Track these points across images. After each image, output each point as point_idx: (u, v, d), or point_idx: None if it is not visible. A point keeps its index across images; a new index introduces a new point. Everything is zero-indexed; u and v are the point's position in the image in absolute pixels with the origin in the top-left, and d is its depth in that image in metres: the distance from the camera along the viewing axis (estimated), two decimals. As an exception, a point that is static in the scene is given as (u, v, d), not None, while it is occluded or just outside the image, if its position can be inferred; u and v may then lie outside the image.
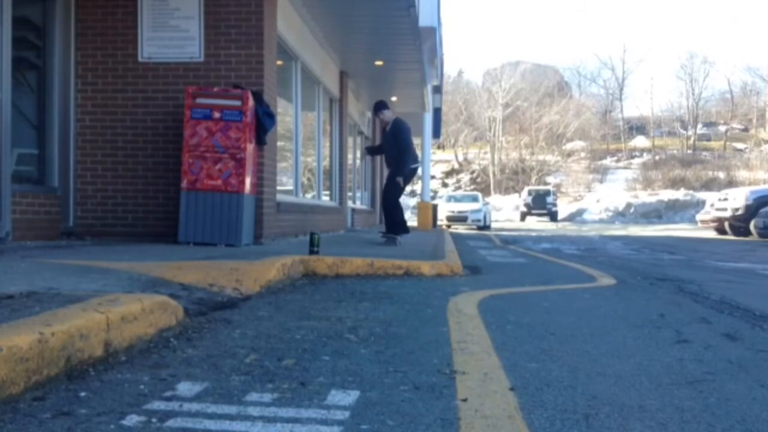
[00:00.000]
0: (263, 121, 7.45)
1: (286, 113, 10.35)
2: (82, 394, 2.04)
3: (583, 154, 57.43)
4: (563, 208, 41.50)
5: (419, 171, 14.53)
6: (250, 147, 7.27)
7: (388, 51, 12.73)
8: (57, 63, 7.63)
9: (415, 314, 3.77)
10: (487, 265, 7.69)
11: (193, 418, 1.86)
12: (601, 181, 52.39)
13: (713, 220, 19.16)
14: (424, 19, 11.69)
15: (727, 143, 59.72)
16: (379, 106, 9.13)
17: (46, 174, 7.60)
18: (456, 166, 58.65)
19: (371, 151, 11.20)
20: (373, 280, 5.47)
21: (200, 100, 7.14)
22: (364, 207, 19.29)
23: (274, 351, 2.71)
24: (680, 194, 41.38)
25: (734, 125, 64.34)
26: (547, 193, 39.59)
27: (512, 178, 53.58)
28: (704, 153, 57.88)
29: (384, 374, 2.39)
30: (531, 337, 3.15)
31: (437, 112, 23.10)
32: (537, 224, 33.25)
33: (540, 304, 4.34)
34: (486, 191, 47.89)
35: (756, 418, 2.01)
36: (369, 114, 18.99)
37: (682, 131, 62.78)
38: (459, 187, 52.70)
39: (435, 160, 47.37)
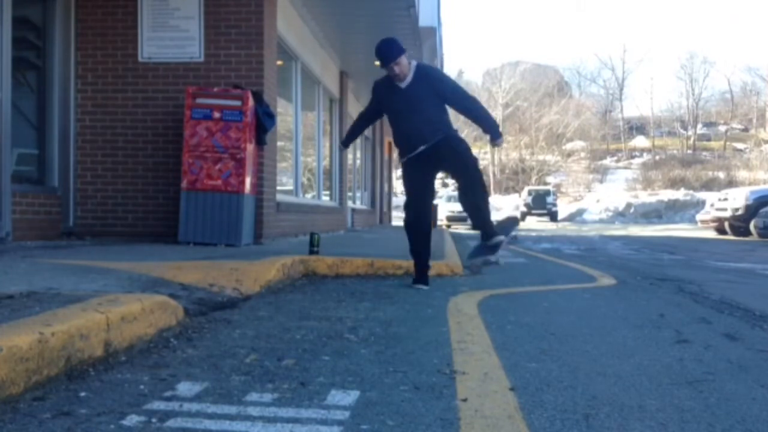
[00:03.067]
0: (263, 121, 7.45)
1: (286, 113, 10.35)
2: (82, 394, 2.04)
3: (583, 154, 57.41)
4: (563, 208, 41.47)
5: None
6: (250, 147, 7.27)
7: (388, 51, 12.70)
8: (57, 63, 7.63)
9: (415, 314, 3.77)
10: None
11: (193, 418, 1.86)
12: (601, 181, 52.37)
13: (713, 220, 19.15)
14: (424, 19, 11.70)
15: (727, 143, 59.70)
16: (395, 51, 4.92)
17: (46, 174, 7.59)
18: (456, 166, 58.56)
19: (352, 136, 5.70)
20: (373, 280, 5.47)
21: (200, 100, 7.15)
22: (364, 207, 19.28)
23: (274, 351, 2.71)
24: (680, 194, 41.34)
25: (734, 125, 64.29)
26: (547, 193, 39.57)
27: (512, 178, 53.56)
28: (704, 153, 57.88)
29: (384, 374, 2.39)
30: (531, 337, 3.15)
31: (437, 112, 23.03)
32: (537, 224, 33.23)
33: (540, 304, 4.34)
34: (486, 191, 47.79)
35: (756, 418, 2.01)
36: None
37: (682, 131, 62.75)
38: (459, 187, 52.61)
39: (435, 160, 47.23)
